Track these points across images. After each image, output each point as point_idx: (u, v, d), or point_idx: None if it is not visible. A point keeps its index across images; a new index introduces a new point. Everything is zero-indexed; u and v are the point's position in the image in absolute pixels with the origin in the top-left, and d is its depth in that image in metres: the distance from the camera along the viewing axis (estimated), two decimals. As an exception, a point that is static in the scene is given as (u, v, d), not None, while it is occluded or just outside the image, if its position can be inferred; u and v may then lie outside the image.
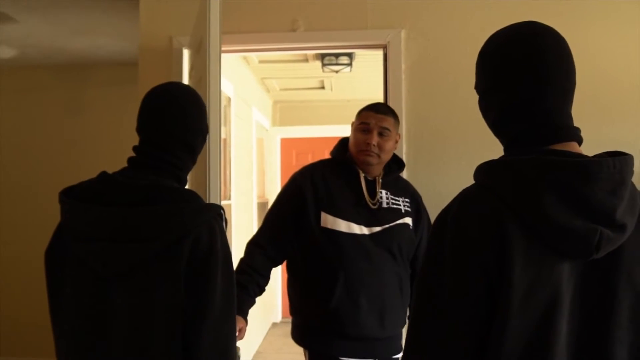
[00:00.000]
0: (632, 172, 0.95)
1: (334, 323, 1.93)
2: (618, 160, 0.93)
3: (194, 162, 1.48)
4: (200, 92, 2.06)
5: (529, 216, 0.90)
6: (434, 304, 0.94)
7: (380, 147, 1.99)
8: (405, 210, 2.07)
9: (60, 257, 1.39)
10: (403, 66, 2.63)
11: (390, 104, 2.60)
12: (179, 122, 1.40)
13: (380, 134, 2.00)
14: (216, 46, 1.89)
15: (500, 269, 0.89)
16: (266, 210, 2.20)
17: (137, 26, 2.86)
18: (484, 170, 0.99)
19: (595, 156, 0.95)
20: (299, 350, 2.11)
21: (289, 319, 2.16)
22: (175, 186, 1.38)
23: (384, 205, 2.03)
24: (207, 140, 1.83)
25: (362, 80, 5.02)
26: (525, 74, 1.00)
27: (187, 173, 1.46)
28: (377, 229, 1.99)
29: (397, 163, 2.17)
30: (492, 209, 0.92)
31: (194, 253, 1.28)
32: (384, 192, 2.05)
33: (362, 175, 2.03)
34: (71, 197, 1.36)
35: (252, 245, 2.07)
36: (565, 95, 1.01)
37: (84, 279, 1.33)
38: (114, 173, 1.37)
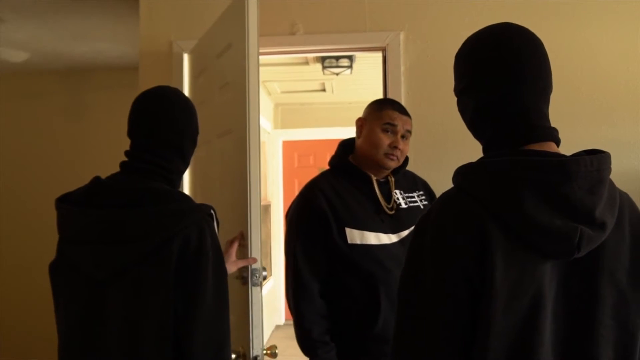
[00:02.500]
0: (609, 170, 0.95)
1: (381, 343, 1.75)
2: (596, 158, 0.92)
3: (185, 164, 1.49)
4: (225, 97, 2.10)
5: (509, 217, 0.90)
6: (417, 310, 0.94)
7: (402, 151, 1.87)
8: (423, 205, 1.97)
9: (61, 266, 1.41)
10: (402, 68, 2.64)
11: (390, 106, 2.61)
12: (165, 124, 1.41)
13: (403, 137, 1.87)
14: (255, 49, 1.86)
15: (482, 271, 0.89)
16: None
17: (137, 31, 2.87)
18: (462, 173, 0.98)
19: (572, 155, 0.95)
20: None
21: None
22: (164, 188, 1.38)
23: (403, 205, 1.91)
24: (247, 144, 1.83)
25: (363, 82, 5.02)
26: (498, 74, 1.00)
27: (178, 175, 1.47)
28: (405, 232, 1.86)
29: None
30: (471, 211, 0.92)
31: (183, 253, 1.28)
32: (398, 192, 1.93)
33: (374, 179, 1.89)
34: (66, 202, 1.38)
35: (301, 289, 1.84)
36: (540, 96, 1.01)
37: (78, 281, 1.35)
38: (106, 177, 1.39)
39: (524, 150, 0.97)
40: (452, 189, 1.00)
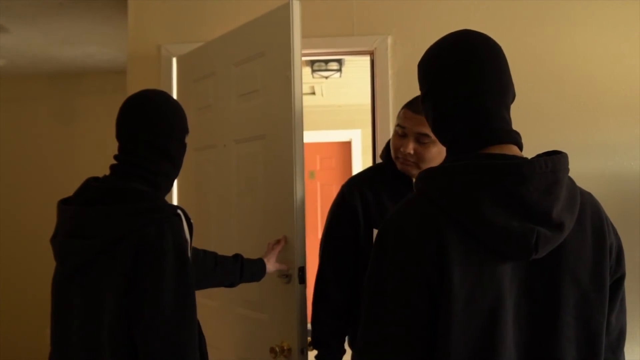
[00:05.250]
0: (566, 170, 0.96)
1: None
2: (550, 159, 0.93)
3: (175, 166, 1.48)
4: (250, 103, 2.13)
5: (466, 221, 0.91)
6: (380, 314, 0.94)
7: (418, 156, 1.65)
8: None
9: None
10: (390, 72, 2.65)
11: (378, 109, 2.62)
12: (149, 126, 1.42)
13: (418, 141, 1.65)
14: (298, 59, 1.92)
15: (440, 274, 0.90)
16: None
17: (126, 35, 2.87)
18: (422, 178, 1.00)
19: (533, 157, 0.96)
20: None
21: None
22: (134, 187, 1.37)
23: None
24: (293, 151, 1.84)
25: (353, 85, 5.04)
26: (455, 77, 1.02)
27: (166, 177, 1.45)
28: None
29: None
30: (430, 216, 0.93)
31: (138, 253, 1.25)
32: None
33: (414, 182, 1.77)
34: (62, 203, 1.42)
35: (319, 286, 1.81)
36: (500, 99, 1.02)
37: (55, 276, 1.39)
38: (97, 179, 1.42)
39: (483, 153, 0.98)
40: (412, 194, 1.01)
